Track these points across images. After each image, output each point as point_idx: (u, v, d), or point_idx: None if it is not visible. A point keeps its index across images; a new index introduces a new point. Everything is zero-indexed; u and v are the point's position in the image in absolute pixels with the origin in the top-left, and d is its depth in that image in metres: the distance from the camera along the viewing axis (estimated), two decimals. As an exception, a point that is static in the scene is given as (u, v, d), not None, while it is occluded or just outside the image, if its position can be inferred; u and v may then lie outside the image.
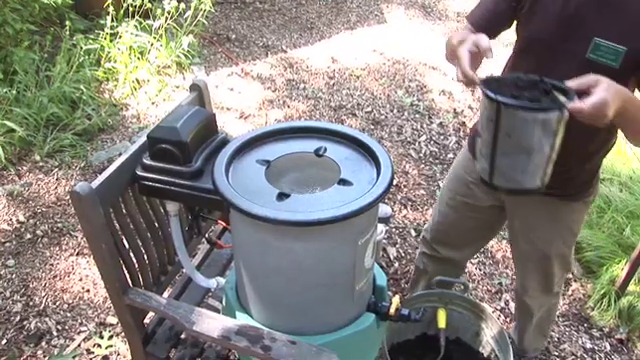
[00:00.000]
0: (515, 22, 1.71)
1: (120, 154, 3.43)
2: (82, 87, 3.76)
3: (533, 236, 1.99)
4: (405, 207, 3.36)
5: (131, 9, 4.30)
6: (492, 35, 1.68)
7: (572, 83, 1.28)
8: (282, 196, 1.37)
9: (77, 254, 2.84)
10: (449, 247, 2.25)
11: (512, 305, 2.74)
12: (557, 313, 2.76)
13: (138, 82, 4.18)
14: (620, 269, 2.82)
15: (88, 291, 2.66)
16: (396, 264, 2.94)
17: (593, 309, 2.77)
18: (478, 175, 1.92)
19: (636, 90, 1.58)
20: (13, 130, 3.34)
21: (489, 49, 1.42)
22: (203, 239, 2.05)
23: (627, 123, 1.46)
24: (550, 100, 1.24)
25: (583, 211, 1.93)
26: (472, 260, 3.02)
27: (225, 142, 1.62)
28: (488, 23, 1.71)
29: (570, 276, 2.97)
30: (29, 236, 2.91)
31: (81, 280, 2.71)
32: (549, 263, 2.02)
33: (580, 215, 1.94)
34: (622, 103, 1.30)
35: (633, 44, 1.45)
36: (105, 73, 4.13)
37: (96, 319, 2.53)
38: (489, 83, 1.34)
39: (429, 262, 2.35)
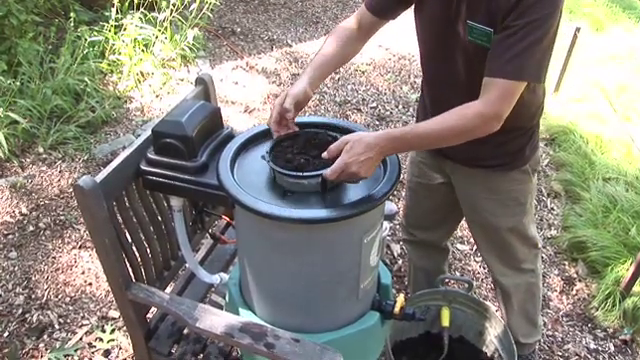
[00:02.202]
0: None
1: (124, 147, 3.42)
2: (86, 79, 3.75)
3: (479, 209, 2.01)
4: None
5: (136, 1, 4.29)
6: (390, 16, 1.80)
7: (326, 153, 1.38)
8: (287, 193, 1.36)
9: (80, 247, 2.84)
10: (422, 229, 2.31)
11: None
12: (562, 313, 2.75)
13: (142, 75, 4.17)
14: (625, 269, 2.80)
15: (90, 284, 2.66)
16: (400, 261, 2.93)
17: (597, 309, 2.75)
18: (426, 153, 2.05)
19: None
20: (16, 122, 3.33)
21: (288, 110, 1.52)
22: (207, 234, 2.05)
23: (416, 148, 1.62)
24: (314, 166, 1.40)
25: (525, 181, 1.93)
26: (476, 259, 3.00)
27: (231, 137, 1.61)
28: (381, 6, 1.78)
29: (575, 276, 2.96)
30: (32, 228, 2.90)
31: (83, 273, 2.71)
32: (501, 236, 2.02)
33: (523, 185, 1.94)
34: (385, 147, 1.39)
35: (495, 26, 1.51)
36: (109, 65, 4.12)
37: (98, 313, 2.53)
38: (281, 141, 1.50)
39: (410, 247, 2.43)
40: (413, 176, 2.18)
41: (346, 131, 1.58)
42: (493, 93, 1.48)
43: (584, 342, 2.63)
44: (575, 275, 2.97)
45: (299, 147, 1.47)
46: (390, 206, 2.51)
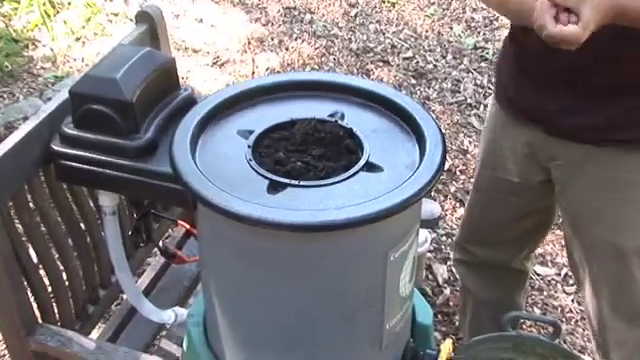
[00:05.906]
0: None
1: (26, 118, 3.44)
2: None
3: (593, 219, 2.02)
4: (462, 204, 3.36)
5: None
6: None
7: None
8: (276, 186, 1.38)
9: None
10: (485, 245, 2.31)
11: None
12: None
13: (53, 5, 4.15)
14: None
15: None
16: (447, 290, 2.96)
17: None
18: (513, 129, 2.04)
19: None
20: None
21: None
22: (155, 249, 2.07)
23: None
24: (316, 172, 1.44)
25: None
26: (566, 288, 3.02)
27: (191, 102, 1.63)
28: None
29: None
30: None
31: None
32: (624, 263, 2.02)
33: None
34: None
35: None
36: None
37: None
38: (269, 132, 1.55)
39: (467, 272, 2.45)
40: (487, 168, 2.19)
41: (369, 95, 1.61)
42: None
43: None
44: None
45: (296, 142, 1.48)
46: (431, 207, 2.53)
